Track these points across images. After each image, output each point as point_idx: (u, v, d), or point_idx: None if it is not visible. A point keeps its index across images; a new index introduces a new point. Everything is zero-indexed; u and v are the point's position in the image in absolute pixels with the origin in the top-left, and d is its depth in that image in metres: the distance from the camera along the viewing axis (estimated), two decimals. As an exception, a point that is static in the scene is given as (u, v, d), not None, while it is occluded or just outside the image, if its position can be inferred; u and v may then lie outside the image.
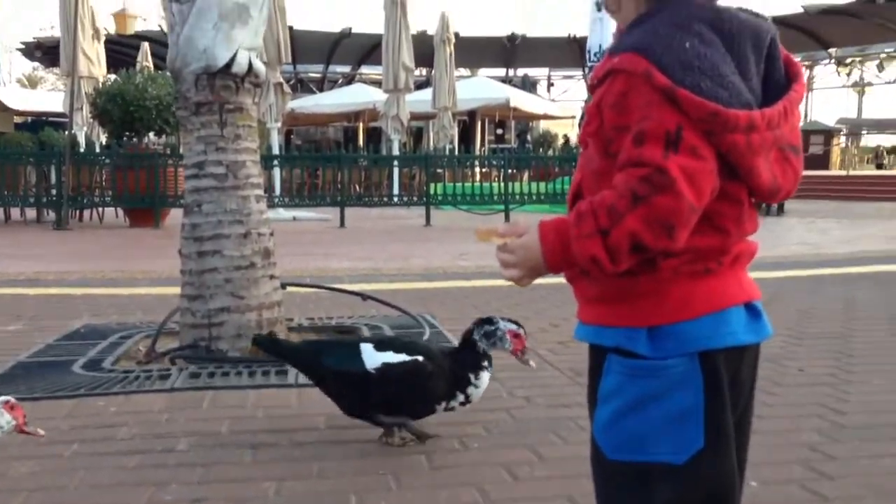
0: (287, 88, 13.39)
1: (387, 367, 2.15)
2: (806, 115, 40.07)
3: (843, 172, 28.47)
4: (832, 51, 34.95)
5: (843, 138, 36.39)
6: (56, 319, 4.09)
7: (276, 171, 12.57)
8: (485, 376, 2.18)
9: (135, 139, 11.26)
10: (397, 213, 12.71)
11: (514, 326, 2.17)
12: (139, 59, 19.03)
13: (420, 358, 2.17)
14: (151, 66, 19.61)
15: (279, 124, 13.69)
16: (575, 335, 1.16)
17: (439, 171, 14.17)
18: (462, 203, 12.39)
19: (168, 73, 13.31)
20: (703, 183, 0.98)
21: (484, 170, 14.96)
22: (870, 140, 45.39)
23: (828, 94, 50.87)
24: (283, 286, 3.58)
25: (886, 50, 35.02)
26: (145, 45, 19.57)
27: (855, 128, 38.62)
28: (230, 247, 3.32)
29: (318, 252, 7.62)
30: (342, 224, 11.04)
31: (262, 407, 2.60)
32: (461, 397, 2.16)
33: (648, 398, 1.05)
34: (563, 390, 2.72)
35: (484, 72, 32.03)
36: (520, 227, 1.09)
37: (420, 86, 23.85)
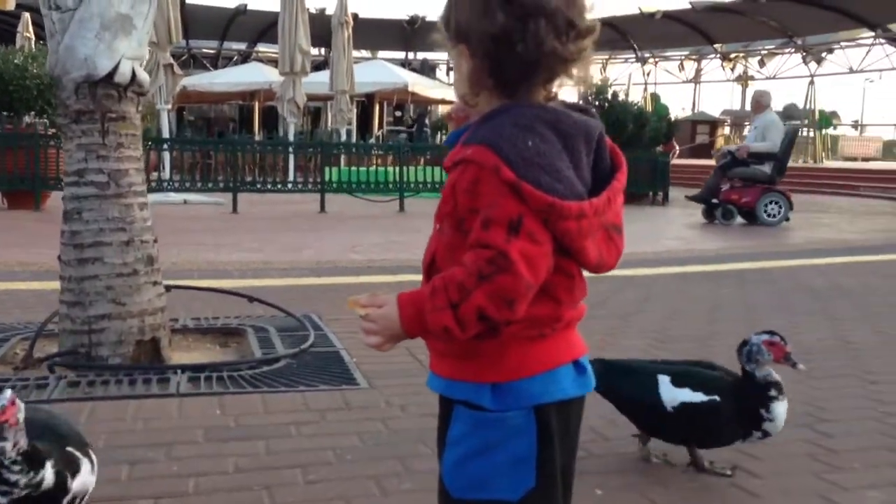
0: (178, 70, 13.07)
1: (684, 407, 2.12)
2: (694, 106, 41.82)
3: (726, 162, 29.84)
4: (718, 46, 36.51)
5: (727, 128, 38.11)
6: (-75, 319, 3.97)
7: (167, 154, 12.29)
8: (778, 407, 2.12)
9: (13, 117, 10.78)
10: (291, 198, 12.63)
11: (766, 336, 2.13)
12: (20, 29, 18.13)
13: (717, 398, 2.12)
14: (33, 36, 18.72)
15: (170, 106, 13.35)
16: (427, 384, 1.31)
17: (335, 153, 14.16)
18: (357, 190, 12.42)
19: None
20: (540, 264, 1.15)
21: (380, 152, 15.01)
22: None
23: (714, 86, 53.04)
24: (168, 289, 3.60)
25: (768, 47, 36.86)
26: (26, 16, 18.63)
27: (738, 119, 40.50)
28: (112, 254, 3.31)
29: (208, 242, 7.55)
30: (234, 209, 10.91)
31: (141, 419, 2.64)
32: (758, 434, 2.14)
33: (490, 445, 1.22)
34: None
35: (383, 54, 31.93)
36: (379, 299, 1.22)
37: (318, 66, 23.63)
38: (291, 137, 15.54)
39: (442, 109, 28.69)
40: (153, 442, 2.43)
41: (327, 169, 12.40)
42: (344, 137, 17.89)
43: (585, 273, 1.26)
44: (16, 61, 10.43)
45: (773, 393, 2.11)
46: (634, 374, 2.24)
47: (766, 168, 10.40)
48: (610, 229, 1.24)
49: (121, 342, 3.28)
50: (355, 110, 21.01)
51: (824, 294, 5.31)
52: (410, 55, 33.85)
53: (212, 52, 32.38)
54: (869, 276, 6.17)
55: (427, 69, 32.13)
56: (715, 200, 10.60)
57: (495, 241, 1.13)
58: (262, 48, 31.49)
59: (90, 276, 3.29)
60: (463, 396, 1.24)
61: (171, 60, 12.75)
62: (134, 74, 3.38)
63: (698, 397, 2.12)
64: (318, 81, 18.80)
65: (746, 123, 44.16)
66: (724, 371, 2.29)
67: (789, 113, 14.48)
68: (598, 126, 1.24)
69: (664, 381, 2.16)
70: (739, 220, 10.61)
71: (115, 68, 3.31)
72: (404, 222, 10.56)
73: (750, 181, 10.44)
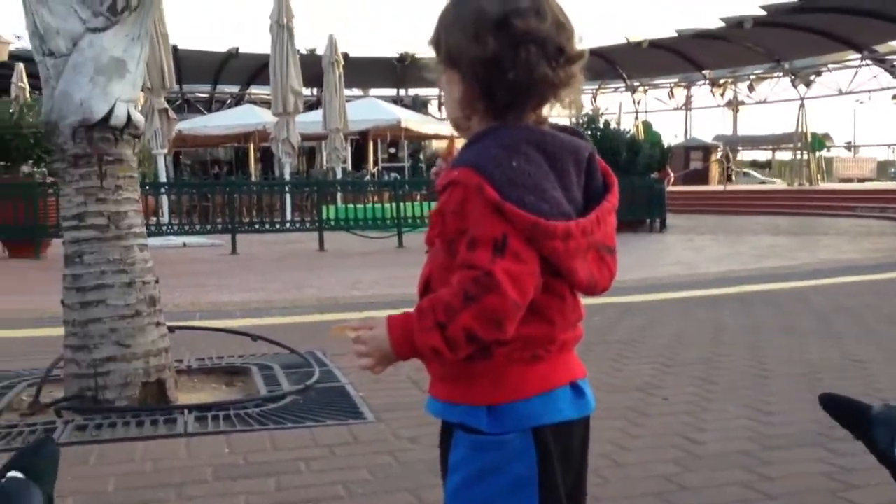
0: (172, 114, 13.17)
1: None
2: (686, 133, 42.14)
3: (721, 187, 30.05)
4: (706, 72, 36.87)
5: (719, 153, 38.38)
6: (-71, 370, 3.95)
7: (164, 198, 12.34)
8: None
9: (11, 167, 10.85)
10: (290, 237, 12.66)
11: None
12: (14, 80, 18.28)
13: None
14: (27, 86, 18.88)
15: (166, 150, 13.44)
16: (426, 408, 1.30)
17: (332, 191, 14.22)
18: (356, 227, 12.46)
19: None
20: (526, 282, 1.15)
21: (376, 190, 15.07)
22: (745, 155, 48.03)
23: (705, 112, 53.56)
24: (172, 330, 3.60)
25: (756, 71, 37.24)
26: (20, 66, 18.80)
27: (731, 144, 40.82)
28: (114, 296, 3.31)
29: (210, 283, 7.56)
30: (234, 250, 10.93)
31: (150, 460, 2.63)
32: None
33: (489, 469, 1.21)
34: (447, 429, 2.86)
35: (375, 92, 32.20)
36: (370, 322, 1.23)
37: (311, 105, 23.81)
38: (287, 177, 15.62)
39: (436, 144, 28.90)
40: (163, 483, 2.42)
41: (324, 207, 12.44)
42: (339, 175, 17.97)
43: (584, 298, 1.26)
44: (11, 111, 10.50)
45: None
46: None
47: None
48: (601, 250, 1.24)
49: (127, 384, 3.27)
50: (349, 148, 21.14)
51: (827, 313, 5.31)
52: (402, 92, 34.14)
53: (205, 95, 32.66)
54: (869, 295, 6.18)
55: (419, 105, 32.44)
56: None
57: (480, 261, 1.14)
58: (254, 90, 31.77)
59: (94, 319, 3.29)
60: (459, 419, 1.24)
61: (166, 105, 12.85)
62: (129, 117, 3.41)
63: None
64: (312, 121, 18.93)
65: (739, 148, 44.47)
66: None
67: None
68: (587, 147, 1.26)
69: None
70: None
71: (111, 111, 3.34)
72: (404, 258, 10.56)
73: None
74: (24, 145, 10.41)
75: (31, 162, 11.02)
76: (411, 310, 1.20)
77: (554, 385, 1.23)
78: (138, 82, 3.52)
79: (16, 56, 22.25)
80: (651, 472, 2.45)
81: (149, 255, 3.52)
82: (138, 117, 3.48)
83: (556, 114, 1.27)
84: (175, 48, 15.29)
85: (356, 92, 31.43)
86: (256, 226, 12.32)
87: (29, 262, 9.85)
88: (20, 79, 18.25)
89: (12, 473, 1.47)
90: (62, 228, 3.47)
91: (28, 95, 16.12)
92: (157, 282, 3.49)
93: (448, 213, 1.19)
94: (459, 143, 1.36)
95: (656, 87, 40.82)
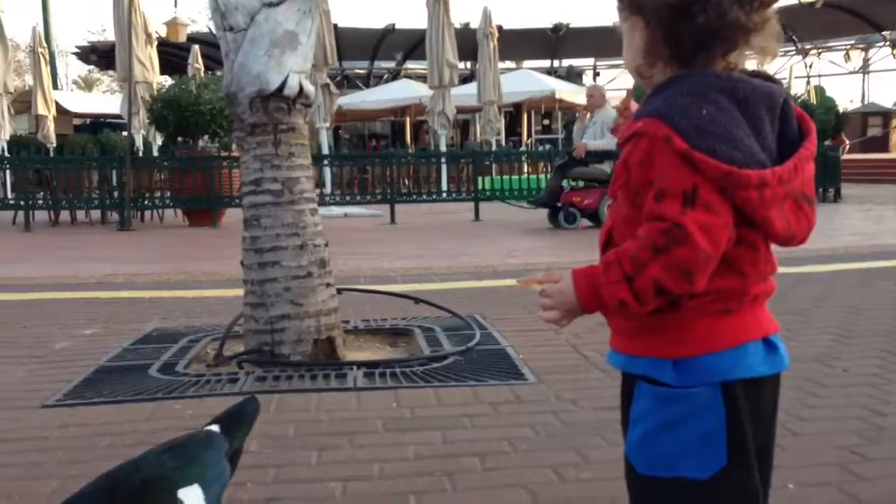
0: (334, 88, 13.65)
1: None
2: (864, 98, 39.16)
3: (902, 155, 27.79)
4: (886, 33, 34.00)
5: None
6: (128, 323, 4.34)
7: (327, 170, 12.86)
8: None
9: (190, 142, 11.63)
10: (446, 207, 12.86)
11: None
12: (190, 61, 19.50)
13: None
14: (202, 67, 20.10)
15: (328, 124, 13.96)
16: (608, 361, 1.30)
17: (486, 163, 14.31)
18: (510, 197, 12.50)
19: (219, 77, 13.52)
20: (718, 234, 1.11)
21: (531, 161, 15.03)
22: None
23: (884, 76, 49.47)
24: (339, 291, 3.76)
25: (942, 30, 33.96)
26: (195, 48, 20.01)
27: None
28: (288, 258, 3.50)
29: (371, 251, 7.81)
30: (392, 220, 11.24)
31: (324, 410, 2.77)
32: None
33: (675, 421, 1.19)
34: (609, 392, 2.83)
35: (529, 64, 31.96)
36: (555, 275, 1.23)
37: (466, 79, 23.97)
38: (443, 149, 15.84)
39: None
40: (337, 431, 2.55)
41: (479, 179, 12.55)
42: (494, 147, 18.04)
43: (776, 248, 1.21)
44: (191, 89, 11.22)
45: None
46: None
47: (607, 167, 9.69)
48: (799, 199, 1.19)
49: (300, 341, 3.46)
50: (503, 120, 21.14)
51: None
52: (556, 63, 33.68)
53: (363, 71, 33.55)
54: None
55: (573, 76, 31.89)
56: (558, 203, 9.96)
57: (670, 212, 1.11)
58: (410, 65, 32.31)
59: (270, 279, 3.49)
60: (644, 372, 1.22)
61: (328, 80, 13.33)
62: (301, 87, 3.57)
63: None
64: (467, 94, 19.07)
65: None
66: None
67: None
68: (781, 92, 1.19)
69: None
70: (585, 222, 9.82)
71: (284, 82, 3.51)
72: (559, 228, 10.50)
73: (590, 181, 9.85)
74: (202, 121, 11.11)
75: (207, 137, 11.76)
76: (595, 264, 1.20)
77: (745, 339, 1.19)
78: (309, 54, 3.67)
79: (192, 38, 23.76)
80: (831, 442, 2.34)
81: (319, 219, 3.69)
82: (309, 88, 3.64)
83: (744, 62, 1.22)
84: (335, 26, 15.78)
85: (510, 65, 31.33)
86: (414, 196, 12.61)
87: (207, 230, 10.55)
88: (195, 60, 19.43)
89: (210, 426, 1.62)
90: (241, 194, 3.70)
91: (203, 75, 17.16)
92: (326, 245, 3.66)
93: (633, 165, 1.17)
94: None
95: (830, 49, 38.09)
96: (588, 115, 10.20)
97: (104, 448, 2.44)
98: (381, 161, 12.63)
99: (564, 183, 9.95)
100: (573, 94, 23.70)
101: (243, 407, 1.77)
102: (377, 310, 4.58)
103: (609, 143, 9.53)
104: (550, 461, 2.23)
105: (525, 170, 14.78)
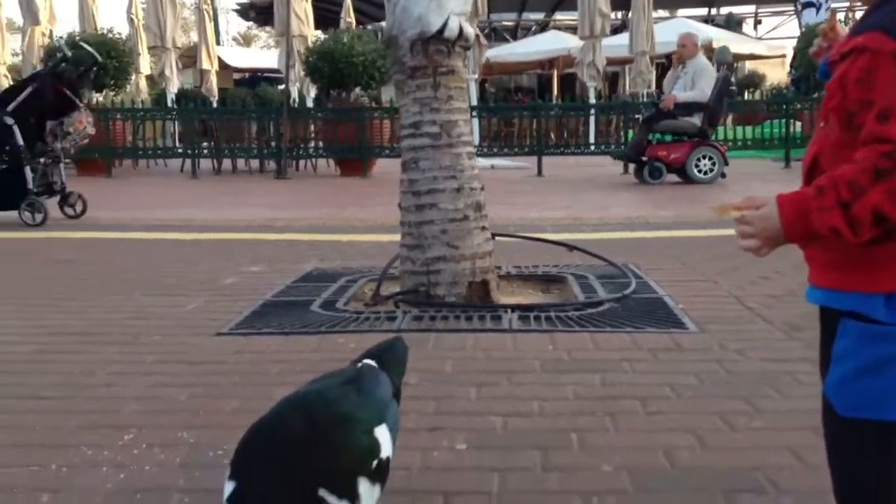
0: (483, 40, 13.57)
1: None
2: None
3: None
4: None
5: None
6: (289, 263, 4.54)
7: (475, 121, 12.86)
8: None
9: (342, 94, 11.92)
10: (593, 161, 12.61)
11: None
12: (342, 15, 19.91)
13: None
14: (354, 21, 20.48)
15: (476, 76, 13.94)
16: (807, 298, 1.22)
17: (636, 116, 13.88)
18: (661, 150, 12.09)
19: (371, 31, 13.78)
20: None
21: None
22: None
23: None
24: (493, 236, 3.77)
25: None
26: (348, 2, 20.38)
27: None
28: (445, 201, 3.53)
29: (519, 202, 7.79)
30: (539, 172, 11.15)
31: (480, 349, 2.80)
32: None
33: (884, 362, 1.11)
34: (777, 344, 2.72)
35: (683, 12, 30.57)
36: (757, 200, 1.16)
37: (616, 29, 23.22)
38: (592, 101, 15.49)
39: (749, 66, 26.92)
40: (494, 369, 2.57)
41: (629, 131, 12.20)
42: (645, 100, 17.46)
43: None
44: (344, 41, 11.47)
45: None
46: None
47: (696, 120, 9.08)
48: None
49: (455, 283, 3.50)
50: (655, 72, 20.39)
51: None
52: (713, 11, 32.03)
53: (511, 23, 33.18)
54: None
55: (732, 24, 30.24)
56: (643, 158, 9.33)
57: (895, 133, 1.02)
58: (559, 16, 31.65)
59: (427, 221, 3.54)
60: (851, 307, 1.14)
61: (478, 31, 13.28)
62: (461, 29, 3.56)
63: None
64: (616, 45, 18.49)
65: None
66: None
67: (721, 58, 11.66)
68: None
69: None
70: (671, 178, 9.17)
71: (445, 24, 3.51)
72: (728, 180, 10.16)
73: (678, 135, 9.25)
74: (355, 73, 11.35)
75: (359, 88, 12.01)
76: (801, 189, 1.12)
77: None
78: (469, -4, 3.65)
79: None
80: None
81: (475, 162, 3.69)
82: (469, 30, 3.63)
83: None
84: (485, -24, 15.63)
85: (663, 13, 30.09)
86: (562, 149, 12.44)
87: (358, 180, 10.84)
88: (348, 14, 19.82)
89: (367, 361, 1.63)
90: (400, 136, 3.76)
91: (355, 28, 17.49)
92: (482, 189, 3.67)
93: (850, 83, 1.08)
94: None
95: None
96: (679, 66, 9.67)
97: (275, 374, 2.57)
98: (529, 113, 12.51)
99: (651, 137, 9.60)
100: (732, 43, 22.52)
101: (394, 346, 1.76)
102: (528, 257, 4.57)
103: (699, 94, 9.15)
104: (717, 408, 2.16)
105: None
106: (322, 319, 3.23)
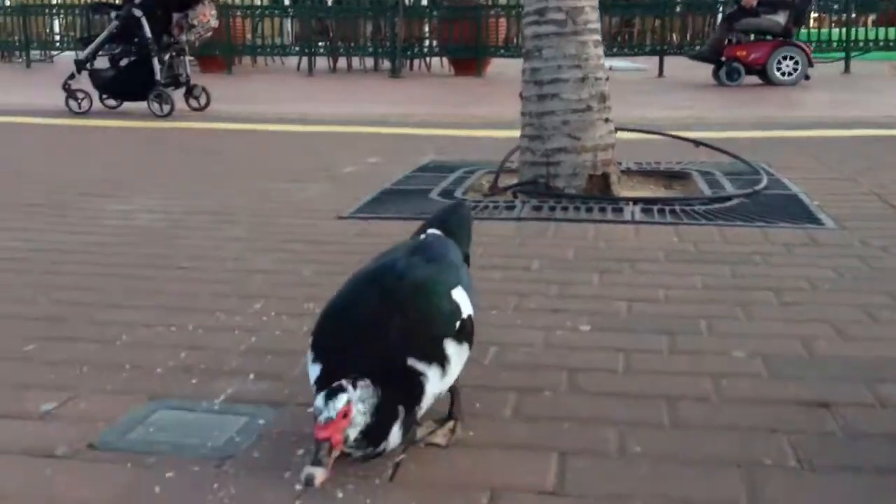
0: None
1: None
2: None
3: None
4: None
5: None
6: (406, 155, 4.54)
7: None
8: None
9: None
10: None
11: None
12: None
13: None
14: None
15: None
16: None
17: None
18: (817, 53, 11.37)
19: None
20: None
21: (818, 15, 13.47)
22: None
23: None
24: (616, 130, 3.64)
25: None
26: None
27: None
28: (568, 90, 3.42)
29: (639, 101, 7.50)
30: (661, 73, 10.70)
31: (602, 239, 2.74)
32: None
33: None
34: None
35: None
36: None
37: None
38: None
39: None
40: (617, 257, 2.51)
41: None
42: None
43: None
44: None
45: None
46: None
47: (780, 18, 8.47)
48: None
49: (575, 175, 3.42)
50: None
51: None
52: None
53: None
54: None
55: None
56: (721, 58, 8.77)
57: None
58: None
59: (548, 112, 3.44)
60: None
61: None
62: None
63: None
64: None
65: None
66: None
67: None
68: None
69: None
70: (749, 79, 8.56)
71: None
72: (852, 82, 9.50)
73: (760, 34, 8.70)
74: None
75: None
76: None
77: None
78: None
79: None
80: None
81: (601, 51, 3.54)
82: None
83: None
84: None
85: None
86: (685, 48, 11.85)
87: (472, 79, 10.69)
88: None
89: (431, 230, 1.56)
90: (523, 23, 3.63)
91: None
92: (607, 79, 3.52)
93: None
94: None
95: None
96: None
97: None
98: (652, 11, 11.92)
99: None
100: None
101: (456, 211, 1.68)
102: (648, 154, 4.41)
103: None
104: (860, 301, 2.04)
105: (815, 23, 13.29)
106: (440, 207, 3.22)
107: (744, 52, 8.97)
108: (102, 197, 3.52)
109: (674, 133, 4.31)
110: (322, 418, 1.10)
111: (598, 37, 3.53)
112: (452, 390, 1.38)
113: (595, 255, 2.54)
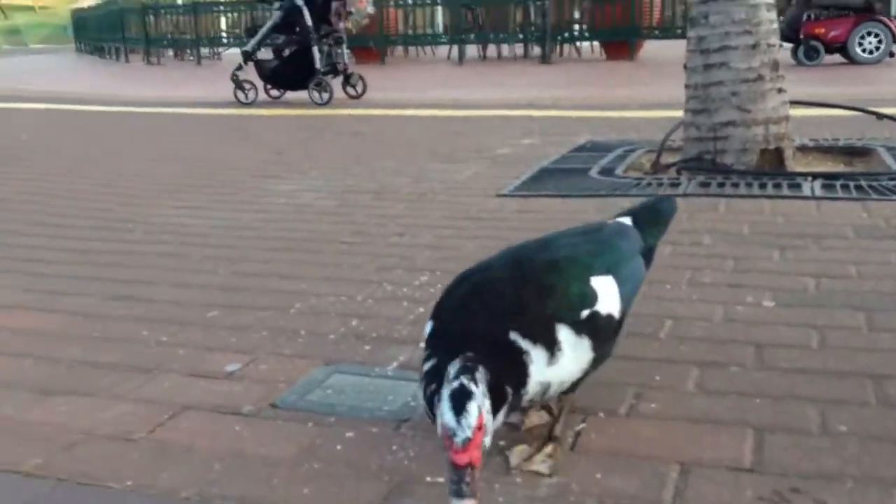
0: None
1: None
2: None
3: None
4: None
5: None
6: (560, 136, 4.46)
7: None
8: None
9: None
10: None
11: None
12: None
13: None
14: None
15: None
16: None
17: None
18: None
19: None
20: None
21: None
22: None
23: None
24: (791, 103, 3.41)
25: None
26: None
27: None
28: (737, 59, 3.23)
29: (803, 78, 7.07)
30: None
31: (780, 215, 2.57)
32: None
33: None
34: None
35: None
36: None
37: None
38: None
39: None
40: (798, 233, 2.34)
41: None
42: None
43: None
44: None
45: None
46: None
47: None
48: None
49: (745, 150, 3.23)
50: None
51: None
52: None
53: None
54: None
55: None
56: (799, 36, 7.97)
57: None
58: None
59: (715, 82, 3.27)
60: None
61: None
62: None
63: None
64: None
65: None
66: None
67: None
68: None
69: None
70: (829, 58, 7.78)
71: None
72: None
73: (840, 10, 7.99)
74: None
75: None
76: None
77: None
78: None
79: None
80: None
81: (775, 15, 3.33)
82: None
83: None
84: None
85: None
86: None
87: (624, 63, 10.42)
88: None
89: (621, 218, 1.46)
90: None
91: None
92: (780, 46, 3.31)
93: None
94: None
95: None
96: None
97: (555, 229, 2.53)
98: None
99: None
100: None
101: (657, 204, 1.55)
102: (823, 131, 4.12)
103: None
104: None
105: None
106: (601, 185, 3.13)
107: (822, 30, 8.35)
108: (270, 178, 3.66)
109: (857, 107, 3.99)
110: (459, 441, 0.93)
111: (770, 0, 3.31)
112: (557, 409, 1.26)
113: (773, 231, 2.38)
